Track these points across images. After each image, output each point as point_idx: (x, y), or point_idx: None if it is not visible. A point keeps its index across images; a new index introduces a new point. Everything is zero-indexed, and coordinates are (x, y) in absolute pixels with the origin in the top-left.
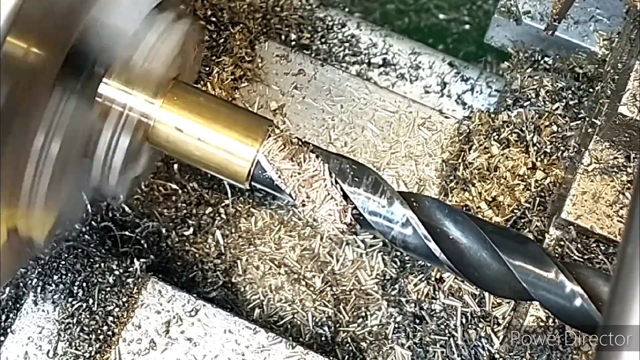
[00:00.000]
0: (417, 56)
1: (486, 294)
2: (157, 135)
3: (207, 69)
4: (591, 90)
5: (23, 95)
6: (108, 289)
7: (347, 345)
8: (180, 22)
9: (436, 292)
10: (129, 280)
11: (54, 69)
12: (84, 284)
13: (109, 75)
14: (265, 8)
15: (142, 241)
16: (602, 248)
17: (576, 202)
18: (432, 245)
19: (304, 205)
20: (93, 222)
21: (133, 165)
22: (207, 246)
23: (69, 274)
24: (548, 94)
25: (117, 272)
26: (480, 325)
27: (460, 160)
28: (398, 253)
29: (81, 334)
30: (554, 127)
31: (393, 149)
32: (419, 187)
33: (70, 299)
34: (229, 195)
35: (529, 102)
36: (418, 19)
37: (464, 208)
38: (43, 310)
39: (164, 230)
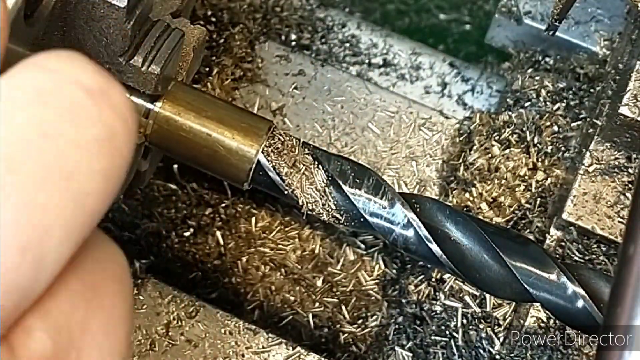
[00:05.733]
0: (417, 56)
1: (487, 295)
2: (157, 136)
3: (207, 69)
4: (592, 90)
5: None
6: None
7: (348, 346)
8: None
9: (437, 293)
10: None
11: None
12: None
13: None
14: (265, 8)
15: (142, 242)
16: (603, 249)
17: (577, 203)
18: (434, 246)
19: (303, 205)
20: None
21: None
22: (207, 247)
23: None
24: (549, 94)
25: None
26: (481, 326)
27: (460, 161)
28: (398, 254)
29: None
30: (555, 128)
31: (393, 150)
32: (420, 188)
33: None
34: (229, 196)
35: (529, 103)
36: (418, 19)
37: (465, 209)
38: None
39: (163, 231)
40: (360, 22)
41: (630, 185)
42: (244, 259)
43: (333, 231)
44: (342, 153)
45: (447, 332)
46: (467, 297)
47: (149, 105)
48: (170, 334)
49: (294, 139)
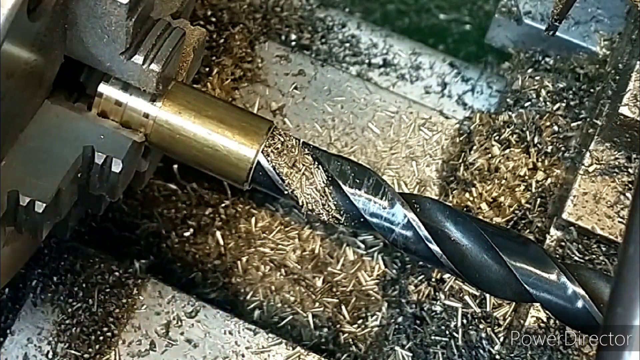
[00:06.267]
0: (417, 56)
1: (487, 295)
2: (157, 136)
3: (207, 69)
4: (592, 90)
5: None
6: (108, 289)
7: (348, 346)
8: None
9: (437, 293)
10: (129, 281)
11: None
12: (84, 285)
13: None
14: (265, 8)
15: (142, 242)
16: (603, 249)
17: (577, 203)
18: (433, 247)
19: (303, 205)
20: (93, 223)
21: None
22: (207, 247)
23: (69, 275)
24: (549, 94)
25: (117, 273)
26: (481, 326)
27: (460, 161)
28: (399, 254)
29: (81, 335)
30: (555, 128)
31: (393, 150)
32: (420, 188)
33: (70, 300)
34: (229, 196)
35: (529, 103)
36: (418, 19)
37: (465, 209)
38: (42, 312)
39: (163, 231)
40: (360, 22)
41: (630, 185)
42: (244, 259)
43: (333, 231)
44: (342, 153)
45: (447, 332)
46: (467, 297)
47: (150, 105)
48: (170, 334)
49: (294, 139)
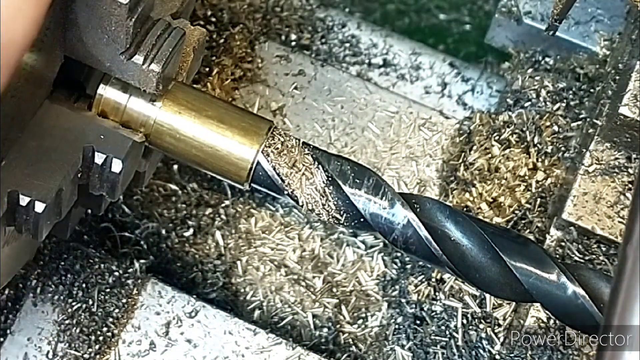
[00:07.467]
0: (417, 56)
1: (487, 295)
2: (157, 136)
3: (207, 69)
4: (592, 90)
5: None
6: (108, 290)
7: (347, 346)
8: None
9: (437, 293)
10: (129, 281)
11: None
12: (84, 285)
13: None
14: (265, 8)
15: (142, 242)
16: (603, 249)
17: (577, 203)
18: (434, 246)
19: (303, 205)
20: (92, 223)
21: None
22: (207, 247)
23: (69, 275)
24: (549, 94)
25: (116, 273)
26: (481, 326)
27: (460, 161)
28: (399, 254)
29: (81, 335)
30: (555, 128)
31: (393, 150)
32: (420, 188)
33: (69, 300)
34: (229, 196)
35: (529, 103)
36: (418, 19)
37: (465, 209)
38: (42, 312)
39: (163, 231)
40: (360, 22)
41: (630, 185)
42: (244, 259)
43: (333, 231)
44: (342, 153)
45: (447, 332)
46: (467, 297)
47: (150, 105)
48: (170, 334)
49: (294, 139)
